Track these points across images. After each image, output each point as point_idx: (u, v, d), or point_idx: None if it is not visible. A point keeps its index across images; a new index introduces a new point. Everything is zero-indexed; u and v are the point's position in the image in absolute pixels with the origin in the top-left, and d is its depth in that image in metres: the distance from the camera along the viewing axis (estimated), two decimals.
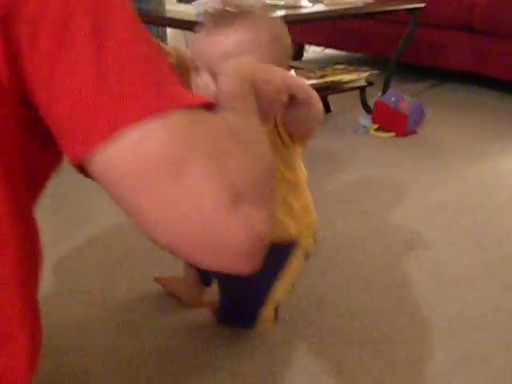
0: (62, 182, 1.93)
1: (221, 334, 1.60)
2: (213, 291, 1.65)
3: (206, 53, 1.26)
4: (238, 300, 1.53)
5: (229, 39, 1.25)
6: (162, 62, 0.74)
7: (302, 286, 1.74)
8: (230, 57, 1.18)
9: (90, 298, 1.74)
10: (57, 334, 1.58)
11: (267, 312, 1.48)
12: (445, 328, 1.61)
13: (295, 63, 4.21)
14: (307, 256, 1.48)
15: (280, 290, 1.46)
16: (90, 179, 0.74)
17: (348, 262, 1.93)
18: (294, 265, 1.46)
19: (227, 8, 1.30)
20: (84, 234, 2.08)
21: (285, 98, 1.08)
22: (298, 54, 4.77)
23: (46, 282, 1.78)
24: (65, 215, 2.21)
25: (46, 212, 2.15)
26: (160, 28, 5.62)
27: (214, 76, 1.23)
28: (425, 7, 3.27)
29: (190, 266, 1.70)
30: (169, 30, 5.56)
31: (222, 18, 1.27)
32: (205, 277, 1.69)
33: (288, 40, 1.32)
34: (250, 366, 1.49)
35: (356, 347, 1.54)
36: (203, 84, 1.26)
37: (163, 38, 5.65)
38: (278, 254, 1.39)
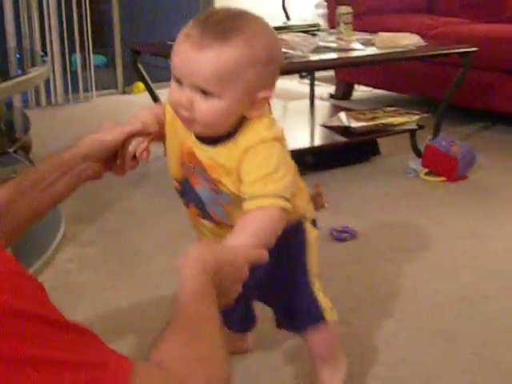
0: None
1: None
2: None
3: (192, 69, 1.16)
4: (291, 304, 1.48)
5: (222, 58, 1.14)
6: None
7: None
8: (222, 77, 1.14)
9: None
10: None
11: (322, 299, 1.47)
12: None
13: (344, 103, 4.21)
14: (315, 223, 1.46)
15: (313, 266, 1.45)
16: None
17: (399, 311, 1.91)
18: (311, 237, 1.44)
19: (217, 11, 1.21)
20: None
21: (246, 273, 1.09)
22: (346, 93, 4.78)
23: None
24: None
25: None
26: None
27: (201, 93, 1.17)
28: (478, 50, 3.25)
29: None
30: None
31: (212, 27, 1.15)
32: (243, 325, 1.68)
33: (282, 56, 1.28)
34: None
35: None
36: (186, 100, 1.18)
37: None
38: (293, 237, 1.40)
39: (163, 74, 3.47)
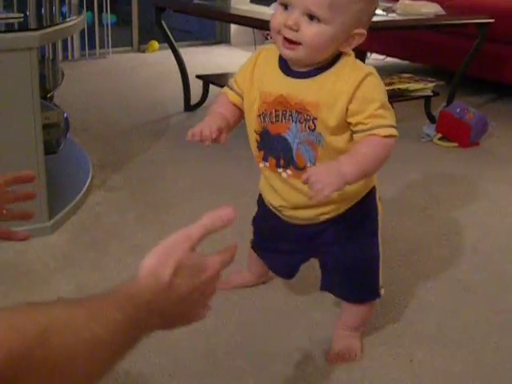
0: None
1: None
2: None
3: None
4: (357, 274, 1.51)
5: None
6: None
7: None
8: (334, 4, 1.22)
9: None
10: None
11: (381, 275, 1.53)
12: None
13: None
14: (379, 198, 1.52)
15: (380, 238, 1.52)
16: None
17: (416, 264, 2.02)
18: (380, 208, 1.52)
19: None
20: None
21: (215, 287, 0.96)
22: (359, 60, 4.84)
23: None
24: None
25: None
26: (224, 25, 5.76)
27: (308, 18, 1.24)
28: (493, 22, 3.33)
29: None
30: (232, 28, 5.70)
31: None
32: (287, 270, 1.65)
33: (378, 2, 1.37)
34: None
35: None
36: (293, 22, 1.24)
37: (226, 34, 5.78)
38: (369, 205, 1.49)
39: (178, 36, 3.56)
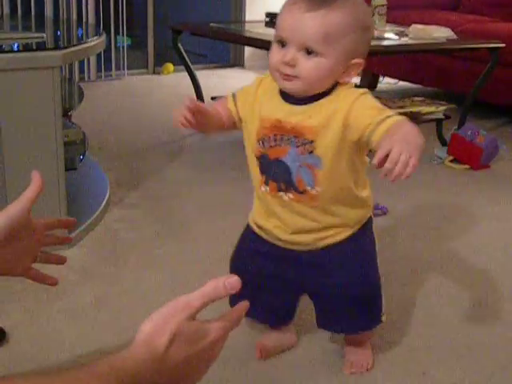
0: None
1: None
2: None
3: (301, 29, 1.26)
4: (357, 301, 1.51)
5: (330, 19, 1.26)
6: None
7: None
8: (328, 37, 1.25)
9: None
10: None
11: (383, 304, 1.55)
12: None
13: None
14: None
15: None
16: None
17: (428, 281, 2.05)
18: (374, 235, 1.53)
19: None
20: None
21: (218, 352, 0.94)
22: (372, 84, 4.90)
23: None
24: None
25: None
26: (238, 48, 5.83)
27: (305, 52, 1.27)
28: (504, 47, 3.38)
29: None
30: (246, 51, 5.77)
31: None
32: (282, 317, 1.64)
33: (373, 27, 1.40)
34: None
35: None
36: (291, 58, 1.28)
37: (240, 57, 5.86)
38: (366, 231, 1.50)
39: (192, 59, 3.64)
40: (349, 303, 1.50)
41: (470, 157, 3.14)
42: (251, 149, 1.44)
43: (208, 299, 0.92)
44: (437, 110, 3.37)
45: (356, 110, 1.31)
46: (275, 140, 1.38)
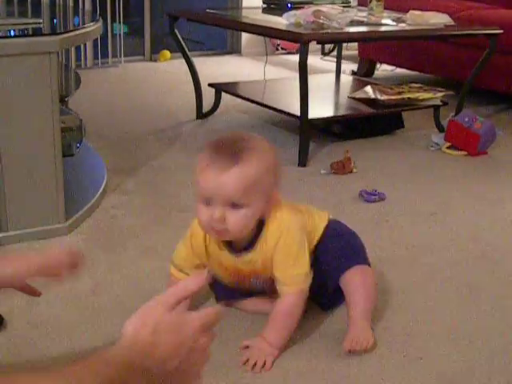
0: None
1: None
2: None
3: (222, 188, 1.44)
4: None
5: (245, 174, 1.43)
6: None
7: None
8: (247, 189, 1.44)
9: None
10: None
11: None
12: None
13: (369, 80, 4.33)
14: None
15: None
16: None
17: (425, 266, 2.05)
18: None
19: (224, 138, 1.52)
20: None
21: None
22: (369, 71, 4.90)
23: None
24: None
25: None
26: (235, 35, 5.82)
27: (231, 207, 1.45)
28: (502, 33, 3.37)
29: None
30: (244, 38, 5.75)
31: (227, 151, 1.45)
32: None
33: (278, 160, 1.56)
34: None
35: None
36: (219, 216, 1.45)
37: (237, 44, 5.84)
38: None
39: (189, 46, 3.63)
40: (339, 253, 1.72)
41: (468, 143, 3.14)
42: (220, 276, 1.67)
43: (181, 293, 1.00)
44: (434, 96, 3.37)
45: (278, 252, 1.57)
46: (242, 283, 1.66)
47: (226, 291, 1.73)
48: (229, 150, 1.45)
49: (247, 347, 1.57)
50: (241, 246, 1.58)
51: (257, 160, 1.46)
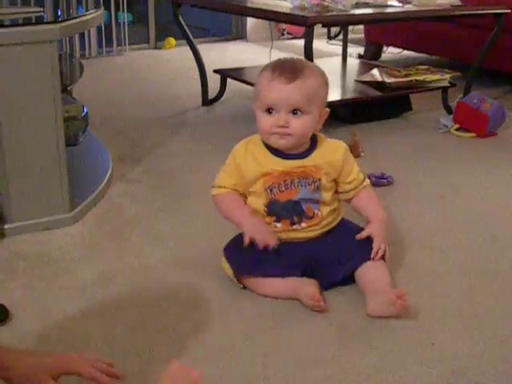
0: None
1: None
2: None
3: (287, 96, 1.63)
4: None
5: (308, 84, 1.65)
6: None
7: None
8: (309, 97, 1.64)
9: None
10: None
11: None
12: None
13: (376, 63, 4.28)
14: None
15: None
16: None
17: (434, 249, 2.03)
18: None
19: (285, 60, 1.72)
20: None
21: None
22: (375, 54, 4.86)
23: None
24: None
25: None
26: (240, 21, 5.78)
27: (293, 114, 1.64)
28: (509, 13, 3.32)
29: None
30: (249, 23, 5.71)
31: (289, 68, 1.65)
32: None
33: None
34: None
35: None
36: (284, 121, 1.64)
37: (242, 30, 5.80)
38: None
39: (194, 33, 3.60)
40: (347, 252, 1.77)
41: (477, 125, 3.10)
42: (257, 198, 1.75)
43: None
44: (442, 78, 3.34)
45: (347, 164, 1.79)
46: (286, 185, 1.73)
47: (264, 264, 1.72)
48: (291, 66, 1.67)
49: (368, 237, 1.75)
50: (292, 153, 1.73)
51: (315, 76, 1.68)
